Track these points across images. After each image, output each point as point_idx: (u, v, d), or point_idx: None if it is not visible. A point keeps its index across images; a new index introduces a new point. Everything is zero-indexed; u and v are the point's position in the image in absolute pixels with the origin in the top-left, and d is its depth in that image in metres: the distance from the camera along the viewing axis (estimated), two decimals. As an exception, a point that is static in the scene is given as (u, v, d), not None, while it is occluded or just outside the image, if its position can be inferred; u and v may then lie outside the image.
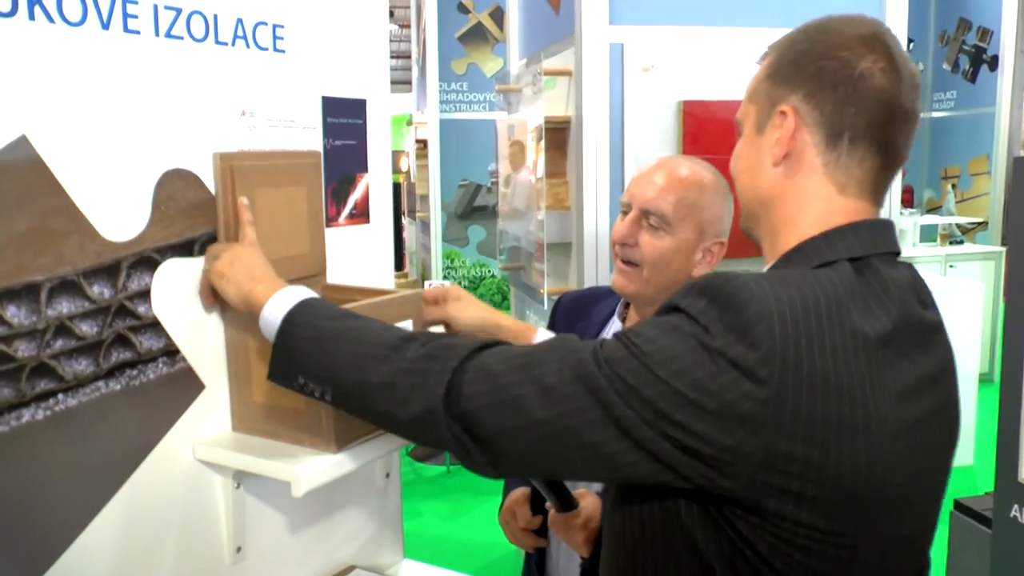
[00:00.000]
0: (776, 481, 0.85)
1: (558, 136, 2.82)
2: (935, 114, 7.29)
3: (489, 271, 6.16)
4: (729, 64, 2.58)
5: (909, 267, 1.01)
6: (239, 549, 1.34)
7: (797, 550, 0.88)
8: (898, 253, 1.00)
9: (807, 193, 0.99)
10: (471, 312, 1.38)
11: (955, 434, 1.00)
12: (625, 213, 1.54)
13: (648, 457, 0.87)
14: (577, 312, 1.76)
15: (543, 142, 2.75)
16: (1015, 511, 1.94)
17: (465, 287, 6.24)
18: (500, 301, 6.14)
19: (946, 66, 7.14)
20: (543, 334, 1.42)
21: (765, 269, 1.02)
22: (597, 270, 2.63)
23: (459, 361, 0.96)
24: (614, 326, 1.67)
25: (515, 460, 0.95)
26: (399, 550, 1.70)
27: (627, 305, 1.65)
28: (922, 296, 0.98)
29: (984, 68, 6.74)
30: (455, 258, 6.18)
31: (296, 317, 1.08)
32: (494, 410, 0.92)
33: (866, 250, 0.95)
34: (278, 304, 1.11)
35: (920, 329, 0.95)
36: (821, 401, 0.84)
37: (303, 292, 1.13)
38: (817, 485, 0.85)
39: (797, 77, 0.98)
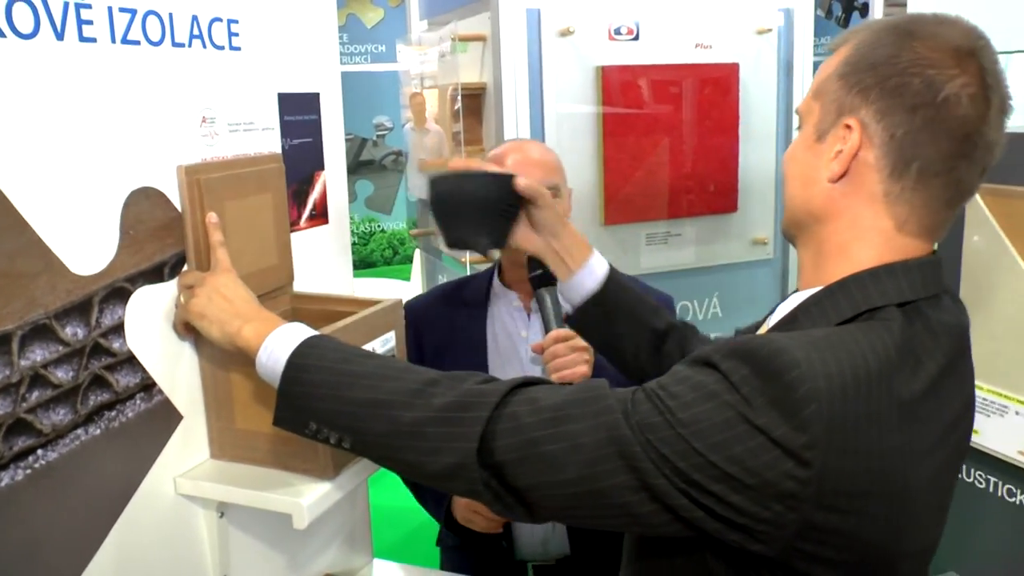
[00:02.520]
0: (809, 548, 0.84)
1: (473, 102, 2.75)
2: (815, 59, 7.52)
3: (379, 226, 6.03)
4: (650, 27, 2.57)
5: (955, 299, 0.96)
6: (225, 578, 1.28)
7: None
8: (941, 293, 0.93)
9: (863, 223, 0.92)
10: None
11: (966, 452, 1.00)
12: None
13: (679, 519, 0.86)
14: (444, 310, 1.81)
15: (459, 106, 2.68)
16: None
17: (354, 244, 6.11)
18: (391, 256, 6.04)
19: (820, 12, 7.37)
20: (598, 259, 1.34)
21: (799, 292, 0.98)
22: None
23: (491, 411, 0.91)
24: (517, 318, 1.75)
25: (550, 511, 0.93)
26: (368, 550, 1.67)
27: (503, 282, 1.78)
28: (966, 337, 0.95)
29: (856, 14, 7.00)
30: (341, 213, 5.99)
31: (302, 361, 1.01)
32: (526, 464, 0.89)
33: (916, 294, 0.89)
34: (276, 347, 1.03)
35: (961, 372, 0.93)
36: (861, 475, 0.82)
37: (300, 331, 1.05)
38: (850, 551, 0.84)
39: (873, 88, 0.89)
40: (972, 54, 0.87)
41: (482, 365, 1.72)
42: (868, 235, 0.92)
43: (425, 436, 0.93)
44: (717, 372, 0.84)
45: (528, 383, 0.96)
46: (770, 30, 2.71)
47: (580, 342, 1.46)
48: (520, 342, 1.73)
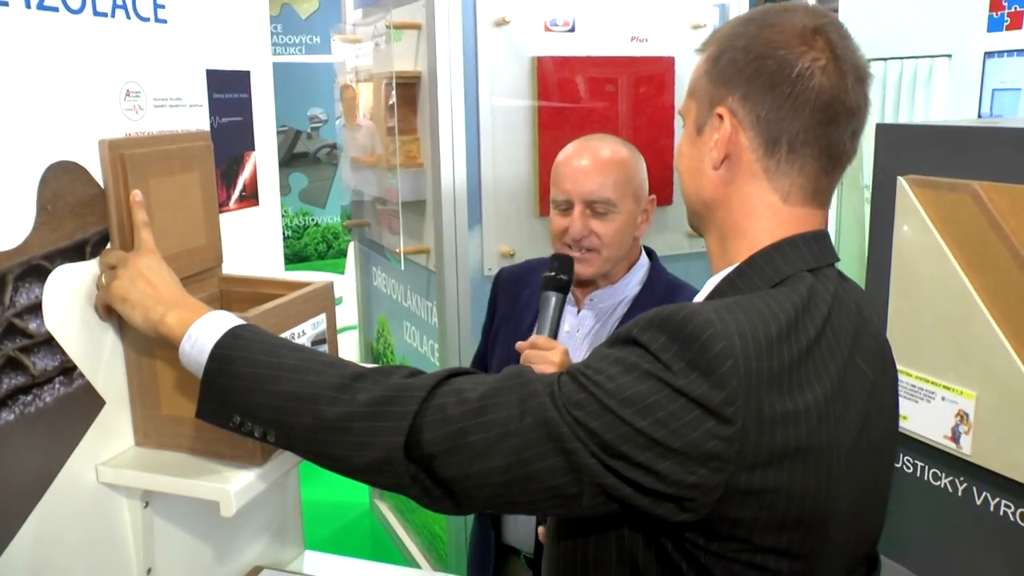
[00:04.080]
0: (733, 512, 0.85)
1: (408, 92, 2.72)
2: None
3: (313, 219, 5.94)
4: (586, 19, 2.57)
5: (847, 279, 1.01)
6: (149, 571, 1.23)
7: (753, 568, 0.89)
8: (834, 263, 0.99)
9: (751, 200, 0.96)
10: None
11: (896, 431, 1.04)
12: (564, 209, 1.61)
13: (608, 499, 0.87)
14: (519, 284, 1.79)
15: (393, 98, 2.65)
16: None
17: (287, 238, 5.99)
18: (326, 251, 5.96)
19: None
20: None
21: (715, 275, 1.01)
22: (456, 228, 2.59)
23: (418, 404, 0.91)
24: (568, 311, 1.70)
25: (478, 501, 0.93)
26: (300, 542, 1.63)
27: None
28: (869, 308, 1.00)
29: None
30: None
31: (227, 352, 0.98)
32: (454, 454, 0.89)
33: (818, 262, 0.95)
34: (200, 336, 1.00)
35: (877, 339, 0.98)
36: (781, 431, 0.84)
37: (224, 319, 1.02)
38: (772, 511, 0.86)
39: (735, 77, 0.94)
40: (817, 31, 0.93)
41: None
42: (759, 211, 0.96)
43: (351, 431, 0.92)
44: (637, 346, 0.87)
45: (456, 374, 0.96)
46: (705, 25, 2.74)
47: (555, 355, 1.43)
48: (562, 335, 1.68)
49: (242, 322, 1.03)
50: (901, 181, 1.75)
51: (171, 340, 1.03)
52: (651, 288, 1.72)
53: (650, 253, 1.80)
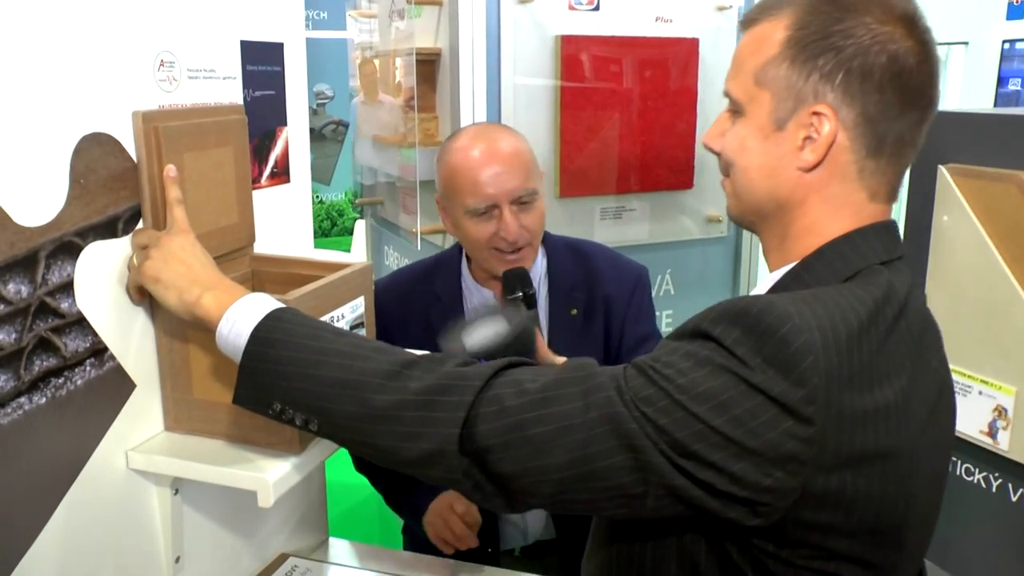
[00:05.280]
0: (808, 516, 0.81)
1: (427, 69, 2.66)
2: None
3: (318, 197, 5.88)
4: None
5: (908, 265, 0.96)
6: (178, 559, 1.19)
7: (813, 573, 0.85)
8: (903, 256, 0.94)
9: (836, 200, 0.90)
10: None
11: (954, 432, 0.99)
12: (483, 214, 1.53)
13: (676, 501, 0.82)
14: (413, 297, 1.68)
15: (415, 75, 2.59)
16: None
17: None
18: (330, 228, 5.90)
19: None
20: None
21: (775, 271, 0.95)
22: (474, 210, 2.55)
23: (474, 394, 0.85)
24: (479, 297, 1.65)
25: (534, 499, 0.87)
26: (324, 529, 1.60)
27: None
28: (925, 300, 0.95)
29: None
30: (277, 183, 5.82)
31: (267, 335, 0.92)
32: (511, 449, 0.83)
33: (890, 254, 0.90)
34: (239, 319, 0.94)
35: (939, 334, 0.94)
36: (860, 431, 0.79)
37: (264, 301, 0.96)
38: (849, 515, 0.82)
39: (836, 71, 0.85)
40: (915, 19, 0.87)
41: None
42: (842, 210, 0.91)
43: (401, 420, 0.87)
44: (709, 340, 0.81)
45: (512, 365, 0.90)
46: (730, 7, 2.68)
47: None
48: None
49: (282, 305, 0.98)
50: (942, 170, 1.70)
51: (207, 323, 0.98)
52: (557, 257, 1.67)
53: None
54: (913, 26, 0.86)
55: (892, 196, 0.93)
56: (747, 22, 0.94)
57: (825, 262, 0.90)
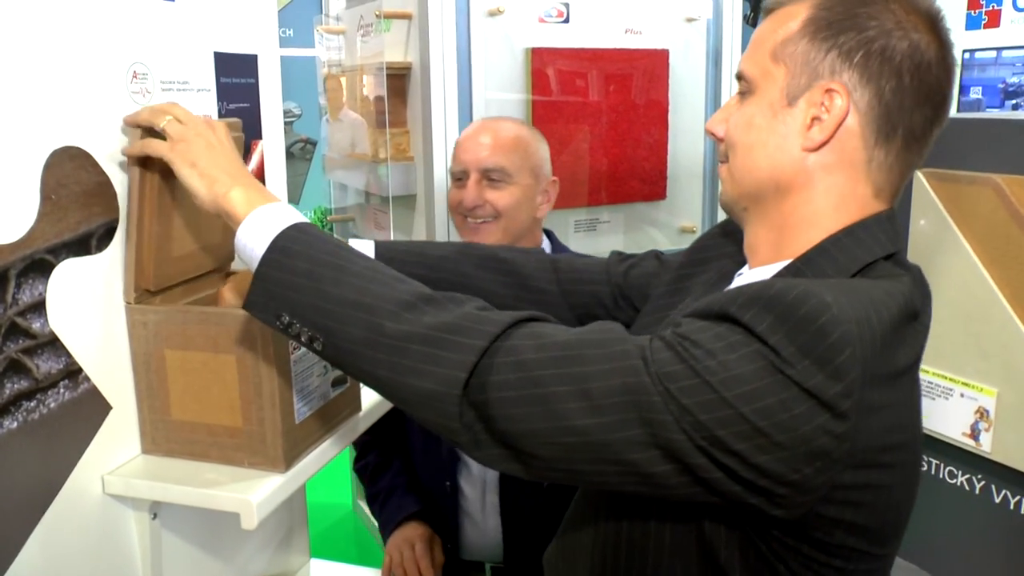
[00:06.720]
0: (831, 512, 0.79)
1: (397, 83, 2.64)
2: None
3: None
4: (580, 10, 2.52)
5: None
6: (157, 586, 1.15)
7: (834, 571, 0.83)
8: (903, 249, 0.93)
9: (839, 190, 0.88)
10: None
11: None
12: (459, 180, 1.68)
13: (692, 481, 0.77)
14: None
15: (385, 89, 2.57)
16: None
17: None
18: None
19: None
20: None
21: (763, 266, 0.93)
22: (449, 222, 2.52)
23: (489, 341, 0.80)
24: None
25: (538, 464, 0.82)
26: (306, 550, 1.56)
27: None
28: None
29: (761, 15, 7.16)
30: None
31: (289, 244, 0.89)
32: (523, 405, 0.78)
33: (896, 246, 0.88)
34: (263, 222, 0.91)
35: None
36: (886, 425, 0.79)
37: (292, 212, 0.94)
38: (873, 513, 0.81)
39: (856, 50, 0.85)
40: (939, 18, 0.87)
41: None
42: (846, 204, 0.89)
43: (407, 353, 0.82)
44: (738, 325, 0.77)
45: (534, 318, 0.86)
46: (698, 19, 2.70)
47: None
48: None
49: (308, 221, 0.94)
50: (918, 175, 1.72)
51: (232, 217, 0.95)
52: None
53: (549, 235, 1.82)
54: (936, 24, 0.87)
55: (895, 197, 0.92)
56: (771, 7, 0.93)
57: (828, 257, 0.87)
